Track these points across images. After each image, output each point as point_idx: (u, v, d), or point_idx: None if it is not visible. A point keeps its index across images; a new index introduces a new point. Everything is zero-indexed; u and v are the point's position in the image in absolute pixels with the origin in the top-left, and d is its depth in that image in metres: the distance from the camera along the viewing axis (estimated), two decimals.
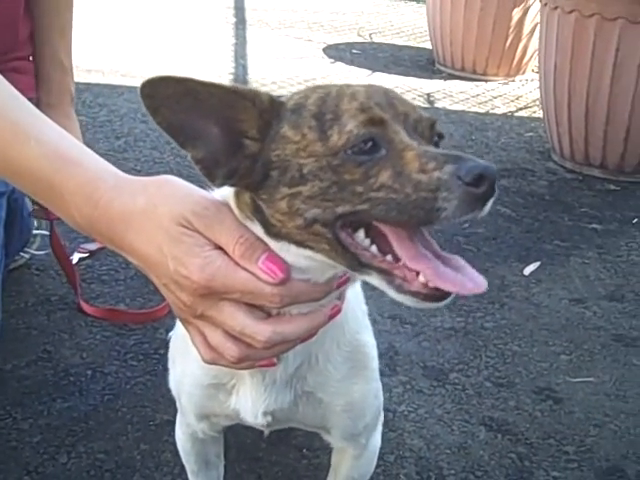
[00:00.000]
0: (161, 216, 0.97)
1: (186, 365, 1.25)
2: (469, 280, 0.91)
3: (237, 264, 0.96)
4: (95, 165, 1.07)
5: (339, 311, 1.05)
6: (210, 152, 0.96)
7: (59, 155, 1.06)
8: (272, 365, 1.08)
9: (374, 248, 0.93)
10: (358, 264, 0.94)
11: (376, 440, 1.45)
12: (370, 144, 0.91)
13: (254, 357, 1.02)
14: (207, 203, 0.98)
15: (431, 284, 0.90)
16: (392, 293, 0.92)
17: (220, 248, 0.97)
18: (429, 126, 0.97)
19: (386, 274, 0.93)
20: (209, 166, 0.96)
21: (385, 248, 0.93)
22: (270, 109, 0.96)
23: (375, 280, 0.94)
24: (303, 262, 0.97)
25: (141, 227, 0.99)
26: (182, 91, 0.92)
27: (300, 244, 0.96)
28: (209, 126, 0.95)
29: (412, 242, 0.93)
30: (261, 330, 0.97)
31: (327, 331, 1.11)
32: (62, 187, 1.05)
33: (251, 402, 1.19)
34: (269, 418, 1.21)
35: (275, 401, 1.18)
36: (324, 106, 0.94)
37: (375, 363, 1.31)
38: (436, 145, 0.98)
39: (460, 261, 0.94)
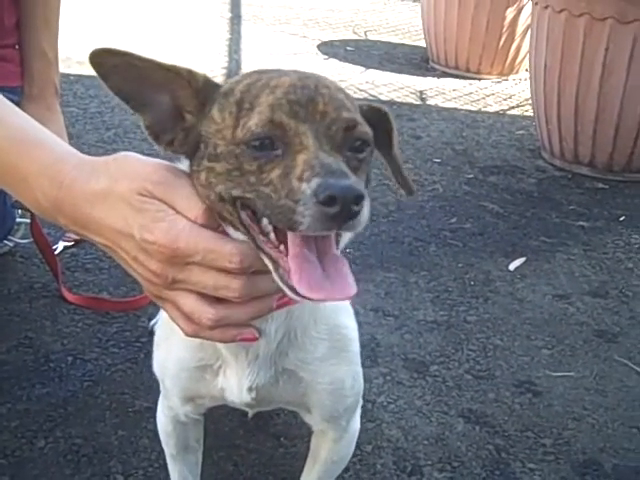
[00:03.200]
0: (122, 190, 1.00)
1: (171, 348, 1.26)
2: (335, 289, 0.92)
3: (200, 226, 0.99)
4: (58, 148, 1.09)
5: None
6: (158, 119, 1.04)
7: (23, 139, 1.09)
8: (254, 339, 1.09)
9: (272, 236, 0.96)
10: (255, 245, 0.98)
11: (355, 423, 1.46)
12: (267, 142, 0.94)
13: (231, 318, 1.02)
14: (164, 172, 1.02)
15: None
16: (277, 280, 0.95)
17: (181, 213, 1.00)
18: (344, 128, 0.97)
19: (273, 262, 0.96)
20: (157, 131, 1.04)
21: (282, 237, 0.96)
22: (204, 90, 1.03)
23: (267, 264, 0.97)
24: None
25: (105, 203, 1.01)
26: (125, 63, 1.01)
27: (222, 219, 1.01)
28: (157, 95, 1.03)
29: (302, 238, 0.94)
30: (235, 278, 0.98)
31: (305, 306, 1.14)
32: (26, 170, 1.07)
33: (237, 380, 1.21)
34: (253, 394, 1.22)
35: (258, 376, 1.20)
36: (247, 94, 0.99)
37: (355, 346, 1.31)
38: (357, 151, 0.98)
39: (339, 267, 0.95)
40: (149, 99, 1.03)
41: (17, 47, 2.30)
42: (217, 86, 1.04)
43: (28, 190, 1.08)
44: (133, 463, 1.79)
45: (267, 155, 0.94)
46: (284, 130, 0.94)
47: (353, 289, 0.93)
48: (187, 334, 1.05)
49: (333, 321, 1.24)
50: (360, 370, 1.36)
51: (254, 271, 1.00)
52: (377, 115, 1.10)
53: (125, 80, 1.01)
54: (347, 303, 1.32)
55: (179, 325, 1.06)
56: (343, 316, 1.28)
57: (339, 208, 0.87)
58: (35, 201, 1.09)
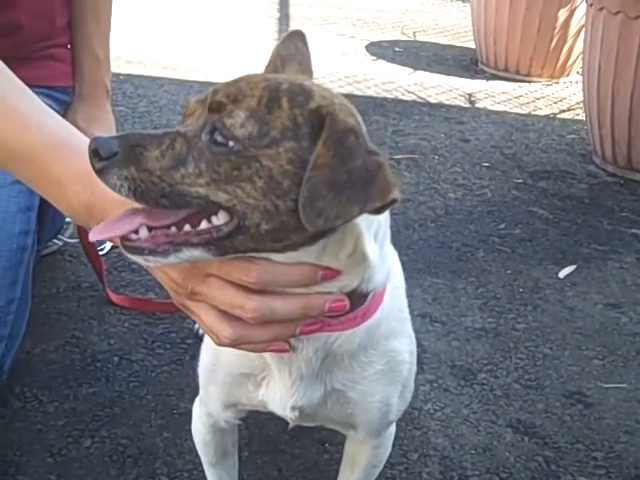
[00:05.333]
0: None
1: (219, 351, 1.24)
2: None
3: None
4: None
5: (344, 307, 1.02)
6: None
7: (58, 143, 1.10)
8: (285, 351, 1.07)
9: None
10: None
11: (393, 427, 1.44)
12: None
13: (248, 339, 1.01)
14: None
15: None
16: None
17: None
18: (208, 108, 0.95)
19: None
20: None
21: None
22: None
23: None
24: None
25: None
26: None
27: None
28: None
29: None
30: (250, 299, 0.97)
31: (355, 337, 1.11)
32: (60, 175, 1.09)
33: (279, 396, 1.19)
34: (296, 413, 1.20)
35: (304, 396, 1.17)
36: None
37: (406, 369, 1.27)
38: (215, 143, 0.93)
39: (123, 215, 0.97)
40: None
41: (69, 47, 2.31)
42: None
43: (62, 194, 1.10)
44: (178, 465, 1.79)
45: None
46: (186, 112, 1.02)
47: (95, 235, 0.96)
48: (217, 344, 1.05)
49: (384, 346, 1.20)
50: (411, 389, 1.33)
51: (274, 294, 0.98)
52: (321, 121, 0.92)
53: None
54: (407, 328, 1.29)
55: (208, 335, 1.06)
56: (397, 341, 1.23)
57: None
58: (69, 206, 1.11)
